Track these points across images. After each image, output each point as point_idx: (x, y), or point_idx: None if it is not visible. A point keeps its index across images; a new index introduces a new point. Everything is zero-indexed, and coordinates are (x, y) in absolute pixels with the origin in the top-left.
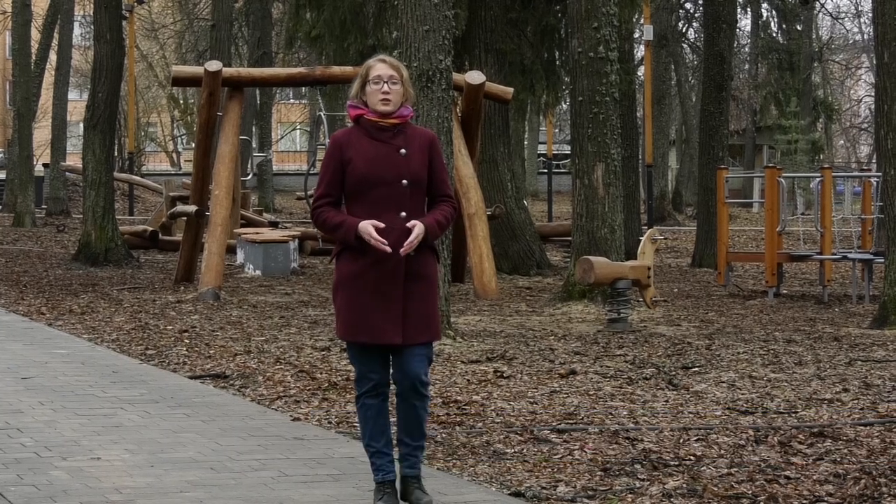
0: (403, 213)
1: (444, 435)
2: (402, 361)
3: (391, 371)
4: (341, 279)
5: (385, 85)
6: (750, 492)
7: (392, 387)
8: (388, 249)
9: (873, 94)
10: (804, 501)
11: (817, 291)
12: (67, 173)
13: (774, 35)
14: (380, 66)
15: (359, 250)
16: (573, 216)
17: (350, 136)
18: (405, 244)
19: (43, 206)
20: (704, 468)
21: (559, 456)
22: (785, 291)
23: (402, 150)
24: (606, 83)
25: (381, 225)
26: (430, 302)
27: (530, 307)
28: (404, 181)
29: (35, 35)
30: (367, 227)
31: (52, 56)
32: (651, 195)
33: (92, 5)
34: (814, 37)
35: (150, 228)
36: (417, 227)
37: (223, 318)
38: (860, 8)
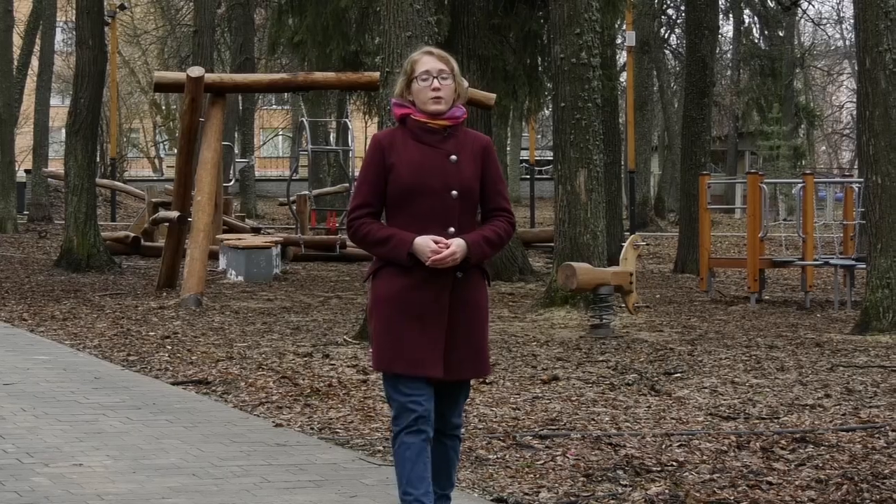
0: (452, 229)
1: None
2: (437, 397)
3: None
4: (378, 301)
5: (435, 80)
6: (732, 497)
7: None
8: (458, 258)
9: (855, 100)
10: None
11: (799, 297)
12: (49, 179)
13: (756, 41)
14: (427, 60)
15: (400, 269)
16: (555, 222)
17: (394, 137)
18: (431, 258)
19: (25, 212)
20: (687, 474)
21: (541, 462)
22: (767, 297)
23: (453, 157)
24: (589, 89)
25: (443, 240)
26: (478, 332)
27: (513, 313)
28: (454, 192)
29: (17, 40)
30: (429, 242)
31: (34, 61)
32: (633, 201)
33: (74, 11)
34: (796, 43)
35: (133, 234)
36: (454, 244)
37: (205, 324)
38: (842, 14)
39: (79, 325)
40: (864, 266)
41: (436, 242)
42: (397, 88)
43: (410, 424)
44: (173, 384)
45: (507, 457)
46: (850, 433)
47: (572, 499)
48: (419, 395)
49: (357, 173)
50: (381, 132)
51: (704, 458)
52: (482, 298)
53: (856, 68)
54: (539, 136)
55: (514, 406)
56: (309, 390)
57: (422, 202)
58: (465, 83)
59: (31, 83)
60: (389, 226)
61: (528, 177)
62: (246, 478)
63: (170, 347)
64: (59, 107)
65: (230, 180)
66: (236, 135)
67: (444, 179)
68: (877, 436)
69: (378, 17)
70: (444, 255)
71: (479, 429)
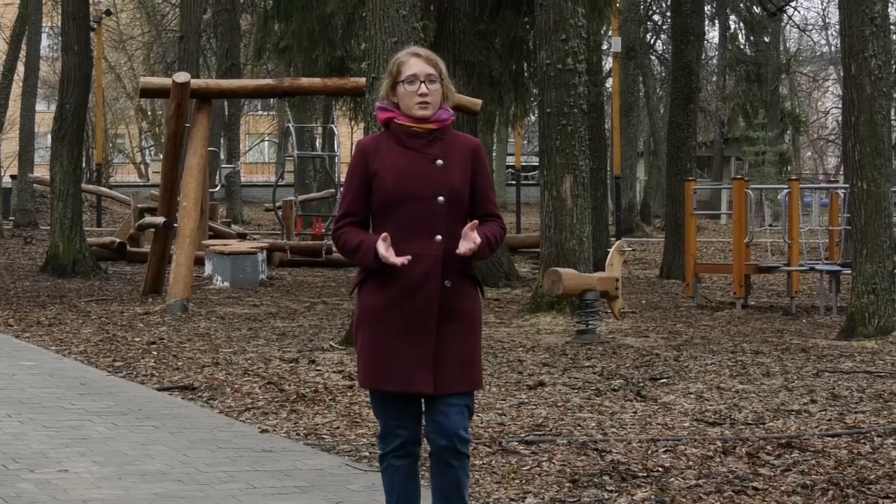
0: (439, 237)
1: None
2: (435, 414)
3: (423, 426)
4: (363, 315)
5: (422, 85)
6: (718, 503)
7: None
8: (402, 261)
9: (840, 105)
10: None
11: (785, 303)
12: (35, 185)
13: (742, 47)
14: (414, 63)
15: (383, 279)
16: (541, 228)
17: (378, 143)
18: (463, 245)
19: (11, 218)
20: (672, 479)
21: (527, 468)
22: (753, 303)
23: (439, 161)
24: (575, 95)
25: (386, 235)
26: (469, 344)
27: (499, 319)
28: (440, 198)
29: (2, 46)
30: (380, 244)
31: (20, 67)
32: (619, 207)
33: (60, 16)
34: (781, 49)
35: (118, 240)
36: (477, 233)
37: (191, 329)
38: (827, 20)
39: (64, 330)
40: (850, 271)
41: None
42: (382, 90)
43: (397, 448)
44: (159, 390)
45: (493, 462)
46: (835, 439)
47: None
48: (406, 416)
49: (342, 178)
50: (365, 138)
51: (690, 463)
52: (473, 308)
53: (841, 74)
54: (525, 142)
55: (500, 412)
56: (295, 396)
57: (407, 209)
58: (453, 87)
59: (16, 89)
60: (376, 234)
61: (514, 182)
62: (232, 483)
63: (155, 353)
64: (45, 112)
65: (216, 186)
66: (222, 140)
67: (429, 185)
68: (862, 441)
69: (364, 23)
70: (472, 247)
71: None
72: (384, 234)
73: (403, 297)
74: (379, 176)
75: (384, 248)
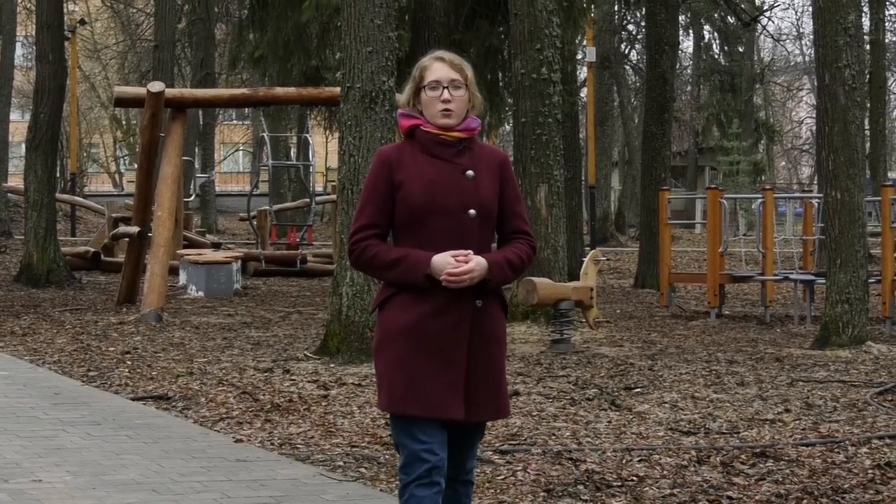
0: (470, 253)
1: (387, 456)
2: (450, 441)
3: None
4: (388, 335)
5: (446, 91)
6: None
7: None
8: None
9: (814, 115)
10: None
11: (759, 312)
12: (9, 194)
13: (716, 57)
14: (438, 68)
15: (410, 298)
16: None
17: (402, 152)
18: (446, 275)
19: None
20: (647, 489)
21: (502, 477)
22: (727, 312)
23: (469, 172)
24: (549, 104)
25: (462, 253)
26: (498, 369)
27: None
28: (471, 211)
29: None
30: (448, 259)
31: None
32: (594, 216)
33: (34, 25)
34: (755, 58)
35: (93, 249)
36: (474, 262)
37: (165, 339)
38: (801, 30)
39: (38, 340)
40: (824, 281)
41: (454, 257)
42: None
43: (423, 476)
44: (133, 400)
45: None
46: (809, 448)
47: None
48: (434, 442)
49: (317, 188)
50: (387, 147)
51: (665, 472)
52: (501, 331)
53: (815, 84)
54: None
55: None
56: (269, 406)
57: (435, 223)
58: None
59: None
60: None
61: None
62: (206, 493)
63: (130, 363)
64: (19, 122)
65: (190, 195)
66: (197, 150)
67: (460, 198)
68: (836, 450)
69: (339, 33)
70: (463, 270)
71: None
72: (457, 252)
73: (433, 316)
74: (405, 187)
75: (453, 260)
